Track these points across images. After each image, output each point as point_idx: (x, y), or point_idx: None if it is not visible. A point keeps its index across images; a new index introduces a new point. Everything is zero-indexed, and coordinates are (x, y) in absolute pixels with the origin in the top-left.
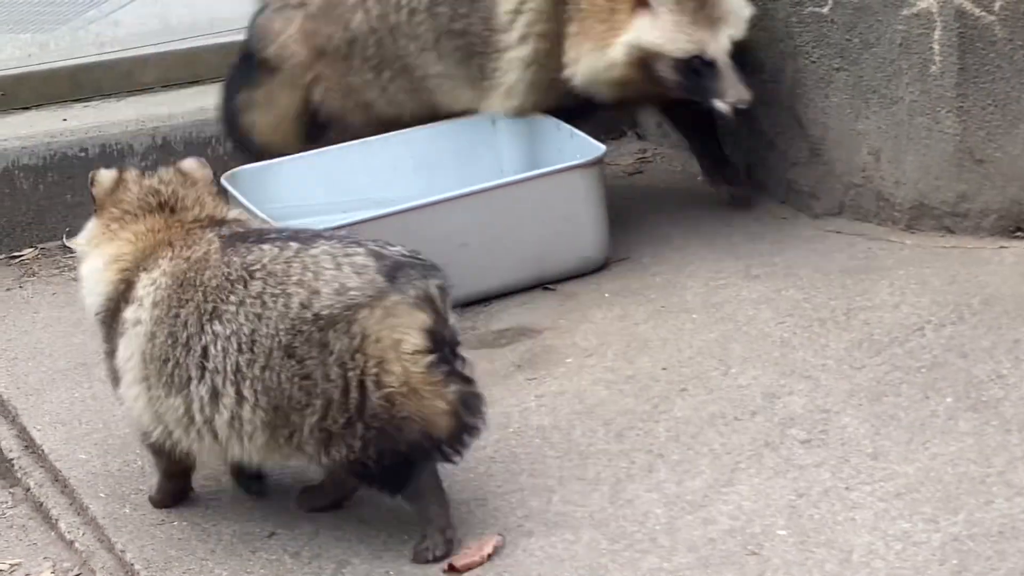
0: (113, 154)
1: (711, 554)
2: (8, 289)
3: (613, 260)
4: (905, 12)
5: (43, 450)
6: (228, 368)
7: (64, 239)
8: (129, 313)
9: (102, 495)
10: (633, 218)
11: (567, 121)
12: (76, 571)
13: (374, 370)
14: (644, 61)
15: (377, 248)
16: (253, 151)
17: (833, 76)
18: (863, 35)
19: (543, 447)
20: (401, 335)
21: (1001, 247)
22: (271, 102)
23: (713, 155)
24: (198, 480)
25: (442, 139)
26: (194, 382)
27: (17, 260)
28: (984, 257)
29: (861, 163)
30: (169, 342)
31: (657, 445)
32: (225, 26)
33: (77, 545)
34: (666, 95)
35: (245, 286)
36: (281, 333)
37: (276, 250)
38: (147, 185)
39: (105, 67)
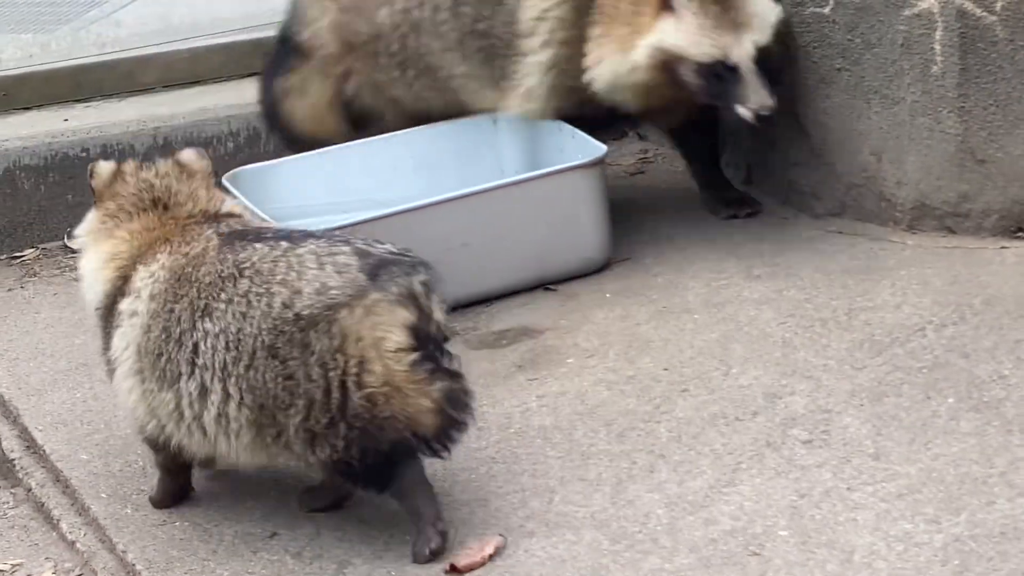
0: (114, 154)
1: (712, 554)
2: (9, 289)
3: (614, 260)
4: (906, 12)
5: (45, 450)
6: (216, 365)
7: (65, 239)
8: (125, 305)
9: (103, 496)
10: (634, 218)
11: (591, 134)
12: (77, 571)
13: (355, 371)
14: (667, 65)
15: (363, 247)
16: (294, 141)
17: (834, 76)
18: (864, 35)
19: (544, 447)
20: (383, 333)
21: (1003, 247)
22: (305, 89)
23: (713, 181)
24: (199, 480)
25: (443, 139)
26: (184, 378)
27: (18, 260)
28: (986, 257)
29: (862, 163)
30: (163, 336)
31: (659, 445)
32: (226, 26)
33: (79, 546)
34: (691, 103)
35: (234, 284)
36: (264, 332)
37: (266, 249)
38: (143, 179)
39: (106, 67)
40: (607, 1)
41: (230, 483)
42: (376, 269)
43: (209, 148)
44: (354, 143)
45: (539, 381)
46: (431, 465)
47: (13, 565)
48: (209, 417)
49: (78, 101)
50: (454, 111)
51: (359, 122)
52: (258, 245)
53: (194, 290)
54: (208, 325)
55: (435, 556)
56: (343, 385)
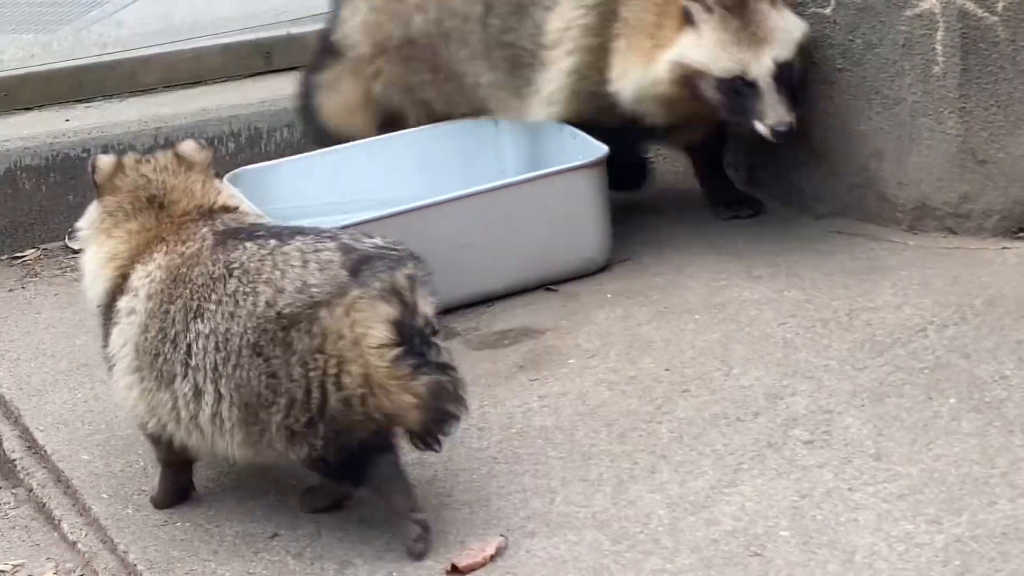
0: (115, 154)
1: (714, 555)
2: (10, 290)
3: (615, 261)
4: (908, 13)
5: (46, 451)
6: (207, 367)
7: (67, 240)
8: (123, 303)
9: (105, 496)
10: (635, 219)
11: (620, 146)
12: (79, 572)
13: (334, 372)
14: (688, 80)
15: (349, 242)
16: (324, 136)
17: (836, 77)
18: (865, 36)
19: (546, 448)
20: (364, 330)
21: (1004, 248)
22: (337, 86)
23: (716, 181)
24: (200, 481)
25: (444, 140)
26: (179, 378)
27: (19, 261)
28: (987, 258)
29: (863, 164)
30: (159, 337)
31: (660, 446)
32: (228, 26)
33: (80, 546)
34: (714, 118)
35: (224, 285)
36: (249, 331)
37: (255, 247)
38: (141, 174)
39: (108, 67)
40: (632, 12)
41: (231, 483)
42: (359, 265)
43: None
44: (355, 143)
45: (540, 381)
46: (432, 466)
47: (14, 565)
48: (204, 417)
49: (79, 101)
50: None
51: (388, 121)
52: (248, 244)
53: (188, 291)
54: (200, 326)
55: (423, 545)
56: (322, 386)
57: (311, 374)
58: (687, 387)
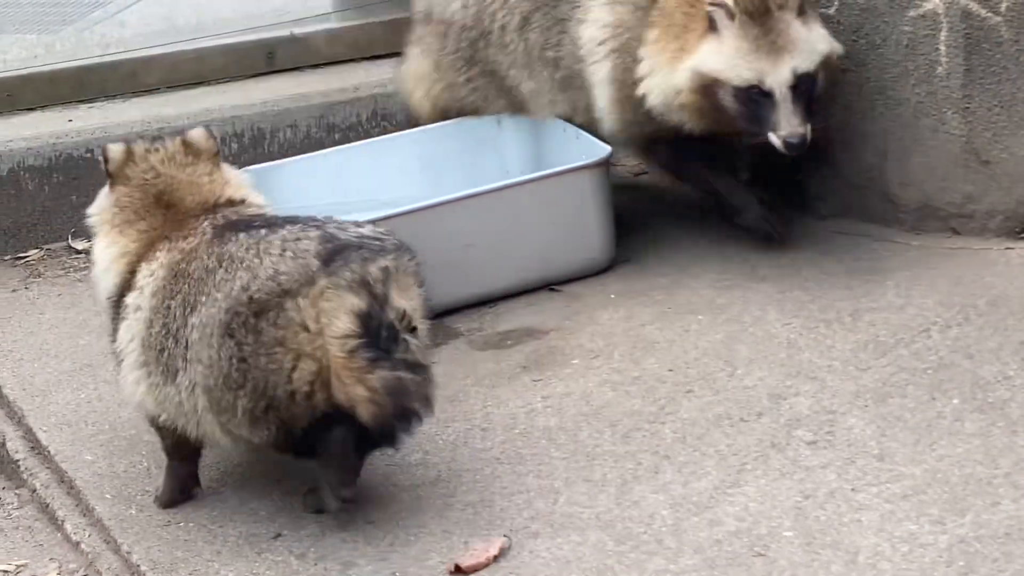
0: None
1: (717, 555)
2: (14, 290)
3: (619, 261)
4: (911, 13)
5: (49, 451)
6: (194, 357)
7: (70, 240)
8: (130, 299)
9: (108, 496)
10: (639, 219)
11: (706, 166)
12: (82, 572)
13: (289, 366)
14: (707, 88)
15: (333, 231)
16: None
17: (839, 77)
18: (869, 36)
19: (549, 448)
20: (329, 319)
21: (1007, 248)
22: (407, 53)
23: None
24: (204, 481)
25: (447, 140)
26: (180, 373)
27: (23, 261)
28: (990, 258)
29: (867, 164)
30: (163, 332)
31: (663, 446)
32: (230, 27)
33: (83, 546)
34: (737, 126)
35: (214, 276)
36: (222, 312)
37: (245, 237)
38: (150, 165)
39: (110, 68)
40: (661, 15)
41: (235, 484)
42: (333, 254)
43: None
44: (358, 143)
45: (544, 382)
46: (435, 466)
47: (18, 566)
48: (203, 407)
49: (82, 102)
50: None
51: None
52: (241, 235)
53: (186, 286)
54: (194, 320)
55: (321, 506)
56: (279, 376)
57: (271, 366)
58: (691, 387)
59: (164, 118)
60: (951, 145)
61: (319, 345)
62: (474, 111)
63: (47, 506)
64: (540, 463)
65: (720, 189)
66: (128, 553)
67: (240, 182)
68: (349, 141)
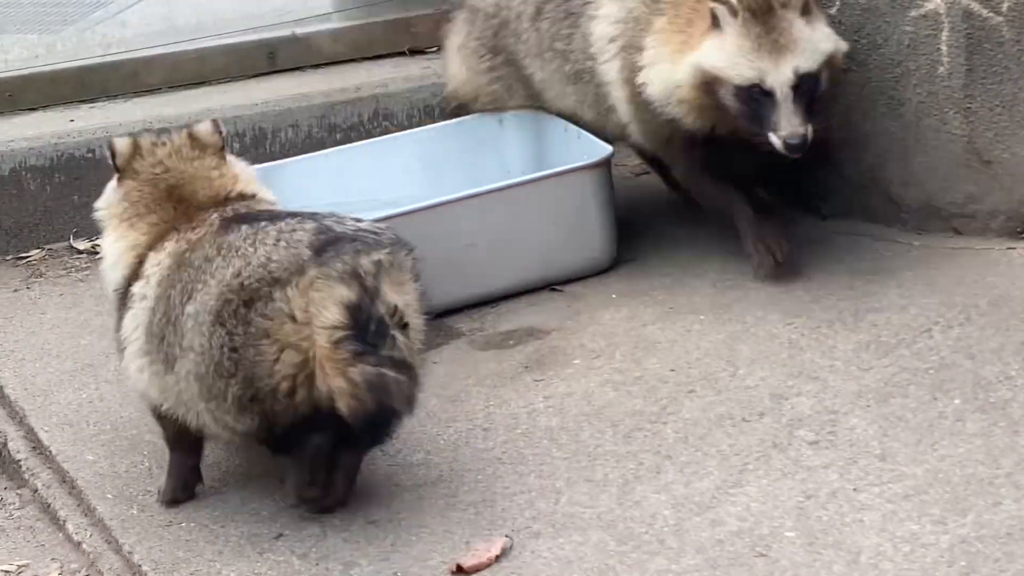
0: None
1: (719, 555)
2: (15, 290)
3: (620, 261)
4: (913, 13)
5: (51, 451)
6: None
7: (71, 240)
8: (137, 288)
9: (109, 496)
10: (641, 219)
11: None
12: (84, 572)
13: (272, 358)
14: (708, 85)
15: (329, 223)
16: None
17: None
18: (871, 36)
19: (551, 448)
20: (318, 309)
21: (1009, 248)
22: (450, 31)
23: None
24: (205, 481)
25: (449, 140)
26: (179, 361)
27: (24, 261)
28: (992, 258)
29: (868, 164)
30: (164, 320)
31: (665, 446)
32: (231, 27)
33: (85, 546)
34: (738, 124)
35: (212, 264)
36: (213, 299)
37: (247, 228)
38: (157, 159)
39: (112, 68)
40: (673, 1)
41: (236, 484)
42: (325, 245)
43: None
44: (360, 143)
45: (545, 382)
46: (437, 467)
47: (19, 566)
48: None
49: (83, 102)
50: (533, 105)
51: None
52: (243, 227)
53: (186, 274)
54: (190, 308)
55: (320, 512)
56: (263, 369)
57: (256, 358)
58: (693, 387)
59: (166, 118)
60: (953, 145)
61: (305, 336)
62: (496, 99)
63: (49, 506)
64: (542, 463)
65: (733, 213)
66: (130, 553)
67: (250, 176)
68: (350, 141)
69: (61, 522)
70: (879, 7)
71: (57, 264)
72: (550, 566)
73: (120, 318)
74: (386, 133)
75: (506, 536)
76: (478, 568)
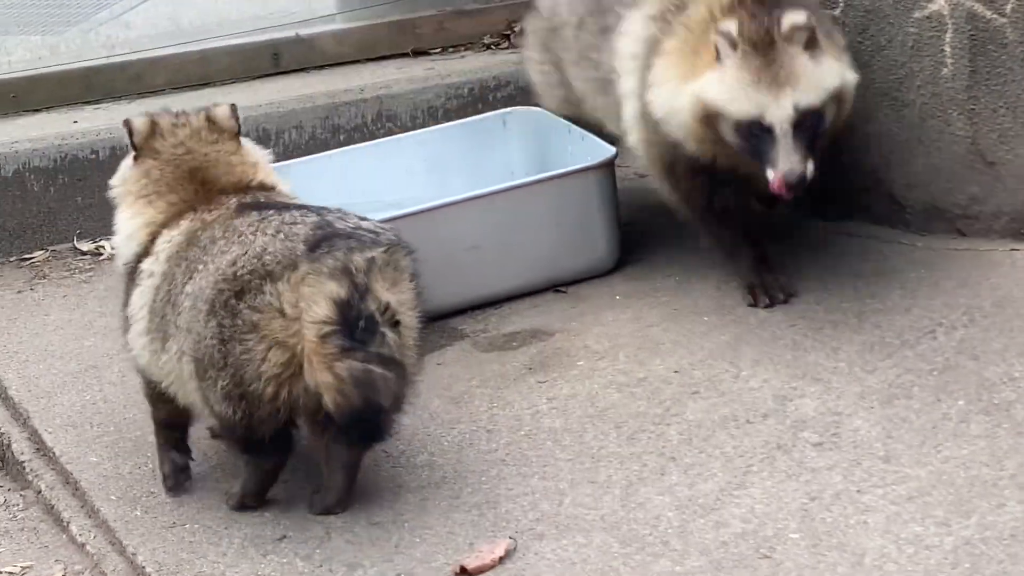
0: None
1: (723, 557)
2: (19, 291)
3: (624, 262)
4: (917, 15)
5: (54, 453)
6: (184, 326)
7: (75, 241)
8: (146, 264)
9: (113, 498)
10: (644, 220)
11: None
12: (88, 574)
13: (260, 356)
14: (708, 117)
15: (329, 219)
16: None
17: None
18: (874, 38)
19: (555, 450)
20: (307, 304)
21: (1013, 249)
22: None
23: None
24: (208, 483)
25: (453, 141)
26: (171, 340)
27: (28, 262)
28: (996, 260)
29: (872, 165)
30: (165, 298)
31: (669, 448)
32: (236, 28)
33: (88, 548)
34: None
35: (215, 246)
36: (209, 288)
37: (255, 215)
38: (179, 141)
39: (116, 69)
40: (688, 24)
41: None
42: (320, 241)
43: None
44: (363, 144)
45: (549, 383)
46: (441, 468)
47: (23, 567)
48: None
49: (87, 103)
50: (572, 111)
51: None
52: (253, 213)
53: (193, 252)
54: (189, 287)
55: (323, 514)
56: (251, 366)
57: (243, 356)
58: (696, 389)
59: None
60: (957, 147)
61: (294, 332)
62: (539, 94)
63: (52, 507)
64: (545, 464)
65: (727, 250)
66: (133, 555)
67: (268, 165)
68: (354, 142)
69: (65, 524)
70: (883, 9)
71: (61, 265)
72: (554, 568)
73: (128, 295)
74: (390, 134)
75: (510, 538)
76: (482, 570)
